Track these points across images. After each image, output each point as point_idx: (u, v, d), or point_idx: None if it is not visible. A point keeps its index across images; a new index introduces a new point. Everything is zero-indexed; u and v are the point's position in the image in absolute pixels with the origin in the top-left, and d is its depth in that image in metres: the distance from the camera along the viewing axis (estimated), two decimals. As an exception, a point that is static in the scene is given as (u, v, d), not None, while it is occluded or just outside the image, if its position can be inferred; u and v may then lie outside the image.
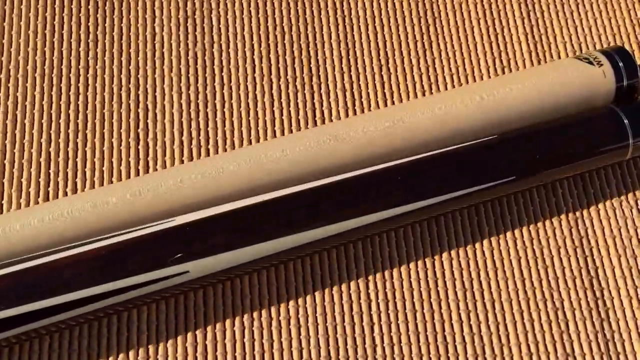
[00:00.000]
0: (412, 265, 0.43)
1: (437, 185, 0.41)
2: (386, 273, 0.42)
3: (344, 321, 0.41)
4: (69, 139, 0.44)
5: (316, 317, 0.41)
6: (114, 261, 0.35)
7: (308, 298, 0.41)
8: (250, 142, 0.45)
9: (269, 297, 0.41)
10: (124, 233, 0.36)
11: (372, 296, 0.41)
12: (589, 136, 0.44)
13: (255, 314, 0.40)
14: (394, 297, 0.41)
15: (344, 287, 0.42)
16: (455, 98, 0.43)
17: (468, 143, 0.42)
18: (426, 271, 0.42)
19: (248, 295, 0.41)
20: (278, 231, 0.37)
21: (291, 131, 0.45)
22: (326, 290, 0.42)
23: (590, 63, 0.44)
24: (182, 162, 0.44)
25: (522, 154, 0.42)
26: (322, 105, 0.46)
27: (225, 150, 0.44)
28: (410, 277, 0.42)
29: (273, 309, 0.41)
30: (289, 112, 0.46)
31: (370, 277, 0.42)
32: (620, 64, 0.44)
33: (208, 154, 0.44)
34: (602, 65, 0.44)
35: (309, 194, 0.39)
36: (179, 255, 0.35)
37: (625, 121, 0.43)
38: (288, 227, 0.38)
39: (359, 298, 0.41)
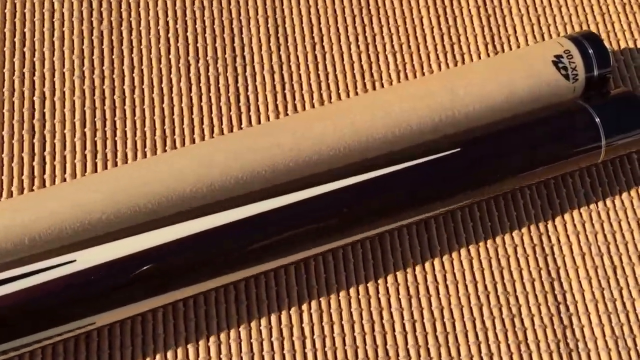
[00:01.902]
0: (356, 286, 0.37)
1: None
2: (322, 300, 0.37)
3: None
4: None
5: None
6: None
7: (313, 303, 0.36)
8: (164, 133, 0.39)
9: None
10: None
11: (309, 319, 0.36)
12: (558, 137, 0.38)
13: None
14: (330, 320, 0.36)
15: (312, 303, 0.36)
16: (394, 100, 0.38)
17: (426, 158, 0.36)
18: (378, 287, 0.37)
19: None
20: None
21: (211, 120, 0.40)
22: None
23: (563, 69, 0.39)
24: (84, 157, 0.38)
25: (484, 160, 0.37)
26: (247, 90, 0.41)
27: (135, 147, 0.39)
28: (354, 297, 0.37)
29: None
30: (209, 97, 0.40)
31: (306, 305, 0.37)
32: (590, 51, 0.39)
33: (115, 149, 0.39)
34: (576, 79, 0.39)
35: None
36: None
37: (597, 120, 0.38)
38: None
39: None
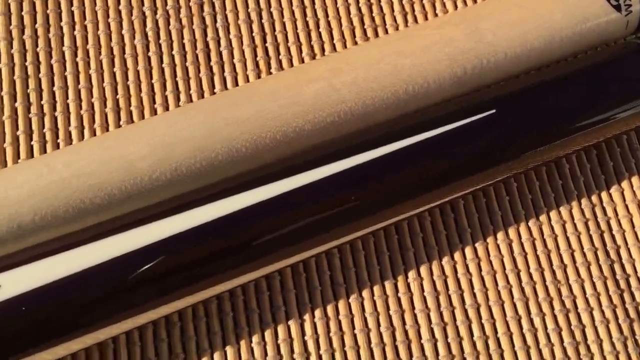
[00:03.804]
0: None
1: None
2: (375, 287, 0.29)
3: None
4: None
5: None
6: None
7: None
8: (116, 105, 0.31)
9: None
10: None
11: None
12: (611, 87, 0.30)
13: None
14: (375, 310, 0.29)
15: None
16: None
17: (450, 125, 0.28)
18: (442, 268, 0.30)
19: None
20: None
21: (176, 86, 0.32)
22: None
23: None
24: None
25: (524, 123, 0.29)
26: (218, 45, 0.33)
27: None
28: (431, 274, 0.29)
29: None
30: (172, 57, 0.32)
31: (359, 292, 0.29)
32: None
33: (55, 127, 0.30)
34: (629, 11, 0.31)
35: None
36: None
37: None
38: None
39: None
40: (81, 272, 0.24)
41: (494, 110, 0.29)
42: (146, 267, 0.24)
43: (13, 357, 0.23)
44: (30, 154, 0.30)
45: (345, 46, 0.33)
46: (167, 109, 0.31)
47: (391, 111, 0.29)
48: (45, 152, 0.30)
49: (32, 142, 0.30)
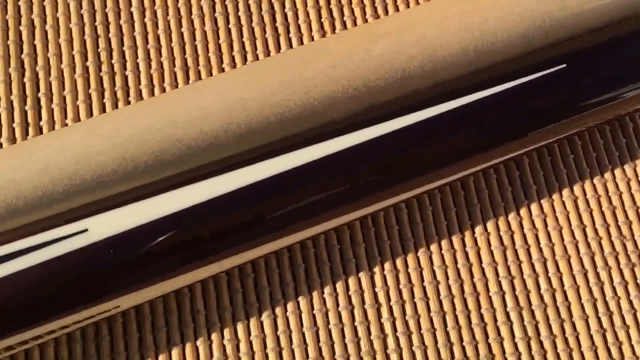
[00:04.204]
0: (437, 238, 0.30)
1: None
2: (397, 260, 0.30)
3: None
4: None
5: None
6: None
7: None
8: (185, 64, 0.31)
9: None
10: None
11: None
12: None
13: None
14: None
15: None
16: None
17: (520, 80, 0.29)
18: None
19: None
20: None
21: (242, 45, 0.32)
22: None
23: None
24: (87, 97, 0.31)
25: (595, 78, 0.29)
26: (283, 7, 0.33)
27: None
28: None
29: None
30: (238, 18, 0.32)
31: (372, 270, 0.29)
32: None
33: (126, 85, 0.31)
34: None
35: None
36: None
37: None
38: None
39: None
40: (162, 218, 0.24)
41: (563, 66, 0.29)
42: (228, 214, 0.25)
43: (107, 294, 0.24)
44: (103, 110, 0.31)
45: (408, 6, 0.33)
46: (234, 67, 0.32)
47: (460, 68, 0.30)
48: (117, 108, 0.31)
49: (105, 100, 0.31)
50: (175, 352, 0.27)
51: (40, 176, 0.24)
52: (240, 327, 0.28)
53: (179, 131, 0.26)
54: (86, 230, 0.24)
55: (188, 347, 0.28)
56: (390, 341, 0.28)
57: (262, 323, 0.28)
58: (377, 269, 0.29)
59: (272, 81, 0.28)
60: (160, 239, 0.24)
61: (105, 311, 0.25)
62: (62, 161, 0.25)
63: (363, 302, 0.29)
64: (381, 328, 0.29)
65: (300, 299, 0.29)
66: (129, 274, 0.24)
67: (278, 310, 0.28)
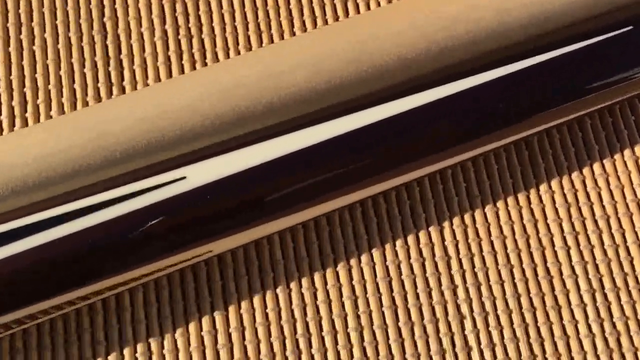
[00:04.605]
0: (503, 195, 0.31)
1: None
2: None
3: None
4: None
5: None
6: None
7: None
8: (268, 24, 0.33)
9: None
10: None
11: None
12: None
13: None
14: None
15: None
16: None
17: (585, 42, 0.30)
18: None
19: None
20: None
21: (315, 9, 0.33)
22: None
23: None
24: (167, 59, 0.32)
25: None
26: None
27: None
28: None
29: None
30: None
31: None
32: None
33: (202, 47, 0.32)
34: None
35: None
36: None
37: None
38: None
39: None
40: (256, 167, 0.26)
41: (630, 27, 0.30)
42: (323, 162, 0.26)
43: (203, 238, 0.25)
44: (182, 71, 0.32)
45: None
46: (305, 31, 0.33)
47: (529, 30, 0.31)
48: (195, 69, 0.32)
49: (183, 62, 0.32)
50: (256, 299, 0.29)
51: (140, 127, 0.26)
52: (329, 274, 0.29)
53: (271, 83, 0.27)
54: (184, 177, 0.25)
55: (268, 294, 0.29)
56: (460, 291, 0.30)
57: (337, 273, 0.30)
58: (446, 224, 0.31)
59: (350, 40, 0.29)
60: (255, 187, 0.26)
61: (199, 255, 0.26)
62: (163, 113, 0.26)
63: (433, 255, 0.30)
64: (451, 279, 0.30)
65: (373, 250, 0.30)
66: (223, 220, 0.26)
67: (353, 261, 0.30)
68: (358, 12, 0.34)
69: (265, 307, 0.29)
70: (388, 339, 0.29)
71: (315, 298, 0.29)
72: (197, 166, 0.26)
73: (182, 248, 0.26)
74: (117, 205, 0.25)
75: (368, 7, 0.34)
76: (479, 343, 0.29)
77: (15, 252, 0.25)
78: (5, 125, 0.31)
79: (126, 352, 0.28)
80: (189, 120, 0.26)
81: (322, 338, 0.29)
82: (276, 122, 0.28)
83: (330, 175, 0.27)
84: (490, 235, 0.31)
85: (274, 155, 0.26)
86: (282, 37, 0.33)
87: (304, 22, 0.33)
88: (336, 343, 0.29)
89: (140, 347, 0.28)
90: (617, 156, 0.32)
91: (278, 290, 0.29)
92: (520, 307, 0.30)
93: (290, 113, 0.28)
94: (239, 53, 0.33)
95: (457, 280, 0.30)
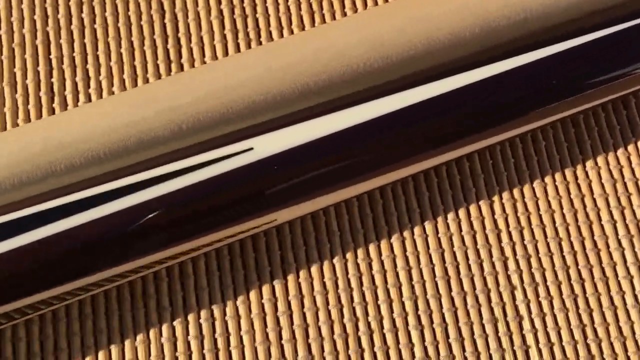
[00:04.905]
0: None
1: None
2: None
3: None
4: None
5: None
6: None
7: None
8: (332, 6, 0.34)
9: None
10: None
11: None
12: None
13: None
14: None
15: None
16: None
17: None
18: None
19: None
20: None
21: None
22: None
23: None
24: (223, 38, 0.33)
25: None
26: None
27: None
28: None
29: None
30: None
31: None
32: None
33: (256, 27, 0.33)
34: None
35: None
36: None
37: None
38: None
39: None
40: (320, 138, 0.27)
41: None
42: (388, 133, 0.27)
43: (268, 207, 0.26)
44: (237, 49, 0.33)
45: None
46: (355, 11, 0.34)
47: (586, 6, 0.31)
48: (249, 48, 0.33)
49: (238, 40, 0.33)
50: (314, 268, 0.30)
51: (210, 100, 0.27)
52: (383, 245, 0.30)
53: (332, 59, 0.28)
54: (251, 148, 0.26)
55: (326, 264, 0.30)
56: (511, 263, 0.31)
57: (391, 245, 0.31)
58: (496, 198, 0.32)
59: (403, 19, 0.30)
60: (318, 157, 0.27)
61: (263, 224, 0.27)
62: (229, 88, 0.27)
63: (484, 227, 0.31)
64: (502, 251, 0.31)
65: (426, 223, 0.31)
66: (288, 189, 0.27)
67: (406, 234, 0.31)
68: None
69: (323, 276, 0.30)
70: (441, 307, 0.30)
71: (371, 268, 0.30)
72: (264, 137, 0.27)
73: (248, 216, 0.27)
74: (188, 175, 0.26)
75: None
76: (529, 312, 0.30)
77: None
78: (69, 100, 0.32)
79: (190, 317, 0.29)
80: (255, 94, 0.27)
81: (378, 306, 0.30)
82: (338, 96, 0.29)
83: (389, 149, 0.28)
84: (538, 209, 0.31)
85: (336, 127, 0.27)
86: (333, 17, 0.34)
87: (354, 2, 0.34)
88: (391, 311, 0.30)
89: (203, 314, 0.29)
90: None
91: (335, 261, 0.30)
92: (569, 279, 0.31)
93: (355, 86, 0.29)
94: (292, 32, 0.34)
95: (508, 252, 0.31)
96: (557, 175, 0.32)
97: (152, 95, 0.29)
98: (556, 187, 0.32)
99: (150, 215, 0.26)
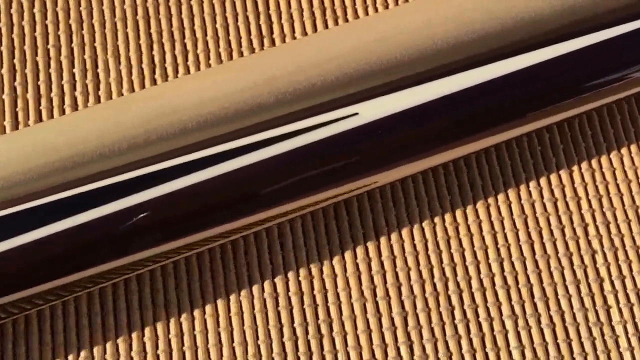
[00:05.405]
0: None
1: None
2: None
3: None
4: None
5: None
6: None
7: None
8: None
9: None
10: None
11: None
12: None
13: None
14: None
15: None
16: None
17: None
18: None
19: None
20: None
21: None
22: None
23: None
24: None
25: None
26: None
27: None
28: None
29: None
30: None
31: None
32: None
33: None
34: None
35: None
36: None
37: None
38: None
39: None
40: (419, 105, 0.28)
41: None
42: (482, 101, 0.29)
43: (371, 169, 0.28)
44: (325, 26, 0.35)
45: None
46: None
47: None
48: (336, 25, 0.35)
49: (326, 17, 0.35)
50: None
51: (313, 70, 0.29)
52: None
53: (427, 33, 0.30)
54: (357, 114, 0.28)
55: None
56: (591, 229, 0.32)
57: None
58: (575, 168, 0.33)
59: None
60: (420, 123, 0.28)
61: (365, 185, 0.29)
62: (334, 58, 0.29)
63: (565, 195, 0.33)
64: (582, 218, 0.32)
65: (511, 190, 0.33)
66: (391, 153, 0.28)
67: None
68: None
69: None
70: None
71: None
72: (369, 103, 0.28)
73: (352, 178, 0.29)
74: (295, 138, 0.28)
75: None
76: (609, 275, 0.32)
77: (195, 181, 0.28)
78: (169, 71, 0.33)
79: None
80: (359, 63, 0.29)
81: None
82: (434, 66, 0.30)
83: (481, 118, 0.30)
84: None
85: (436, 94, 0.28)
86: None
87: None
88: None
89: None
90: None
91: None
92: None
93: (456, 55, 0.30)
94: (376, 10, 0.35)
95: (588, 219, 0.32)
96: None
97: (256, 65, 0.30)
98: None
99: (268, 169, 0.28)
